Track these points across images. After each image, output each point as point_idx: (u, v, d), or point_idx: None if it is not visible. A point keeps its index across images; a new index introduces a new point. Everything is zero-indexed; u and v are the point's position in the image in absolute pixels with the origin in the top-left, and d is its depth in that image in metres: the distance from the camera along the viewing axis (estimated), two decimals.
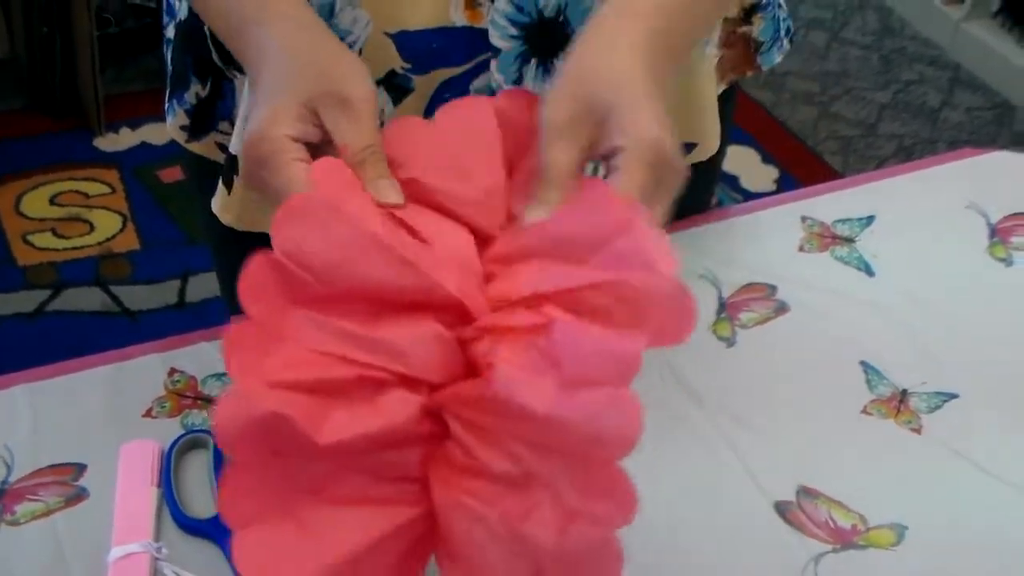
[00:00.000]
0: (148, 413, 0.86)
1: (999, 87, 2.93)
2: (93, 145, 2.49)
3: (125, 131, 2.52)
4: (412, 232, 0.63)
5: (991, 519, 0.84)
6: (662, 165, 0.65)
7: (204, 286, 2.19)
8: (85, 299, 2.17)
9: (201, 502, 0.81)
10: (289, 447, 0.58)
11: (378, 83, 0.81)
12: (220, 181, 0.89)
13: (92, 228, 2.30)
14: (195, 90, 0.89)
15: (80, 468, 0.82)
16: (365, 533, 0.60)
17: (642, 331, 0.59)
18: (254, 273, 0.61)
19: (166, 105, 0.93)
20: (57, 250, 2.25)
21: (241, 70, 0.85)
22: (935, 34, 3.09)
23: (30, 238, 2.26)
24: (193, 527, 0.79)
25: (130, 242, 2.28)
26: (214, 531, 0.78)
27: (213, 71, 0.88)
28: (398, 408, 0.59)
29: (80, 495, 0.80)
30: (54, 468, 0.81)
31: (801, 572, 0.79)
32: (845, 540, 0.81)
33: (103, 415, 0.85)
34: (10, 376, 0.87)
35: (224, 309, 1.03)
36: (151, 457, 0.82)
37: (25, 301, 2.15)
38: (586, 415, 0.58)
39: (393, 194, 0.66)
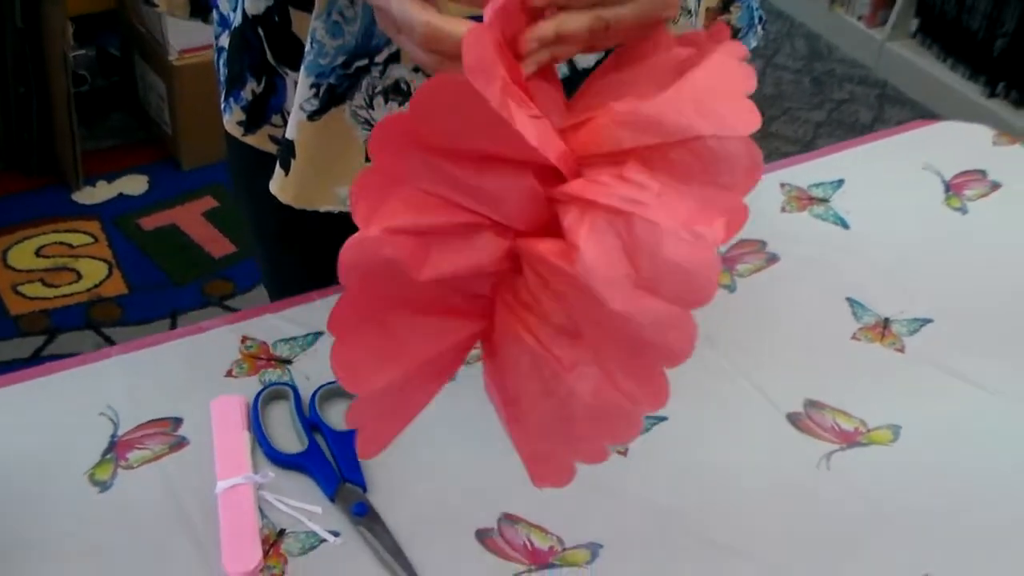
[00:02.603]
0: (229, 373, 0.96)
1: (925, 100, 3.11)
2: (72, 199, 2.58)
3: (102, 184, 2.62)
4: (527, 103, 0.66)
5: (967, 414, 0.97)
6: None
7: (193, 323, 2.27)
8: (79, 342, 2.25)
9: (287, 443, 0.91)
10: (393, 281, 0.65)
11: None
12: (278, 165, 1.00)
13: (79, 276, 2.39)
14: (251, 87, 1.01)
15: (177, 421, 0.92)
16: (440, 341, 0.68)
17: (715, 261, 0.62)
18: (386, 125, 0.65)
19: (222, 105, 1.04)
20: (47, 298, 2.33)
21: (292, 67, 0.97)
22: (861, 55, 3.28)
23: (20, 289, 2.35)
24: (285, 460, 0.89)
25: (118, 287, 2.37)
26: (305, 462, 0.89)
27: (267, 70, 1.00)
28: (487, 249, 0.66)
29: (181, 442, 0.91)
30: (155, 422, 0.92)
31: (815, 467, 0.92)
32: (851, 440, 0.94)
33: (189, 377, 0.96)
34: (103, 351, 0.98)
35: None
36: (239, 407, 0.92)
37: (20, 347, 2.23)
38: (651, 321, 0.62)
39: None
